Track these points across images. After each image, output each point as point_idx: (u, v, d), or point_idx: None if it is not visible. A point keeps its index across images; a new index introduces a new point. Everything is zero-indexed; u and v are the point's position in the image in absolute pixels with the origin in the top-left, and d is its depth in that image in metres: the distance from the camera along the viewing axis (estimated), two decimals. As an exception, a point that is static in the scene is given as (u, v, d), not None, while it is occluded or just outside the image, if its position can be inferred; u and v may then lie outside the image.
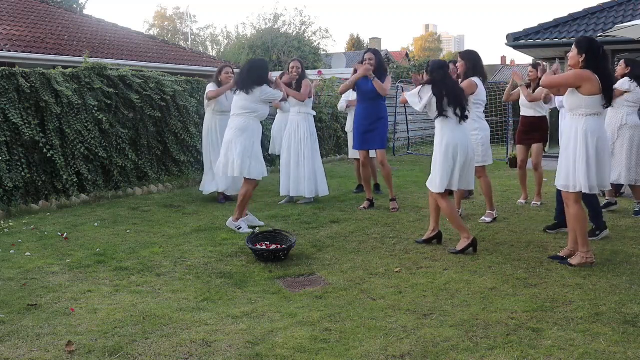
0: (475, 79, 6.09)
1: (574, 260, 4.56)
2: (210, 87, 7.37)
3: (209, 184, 7.57)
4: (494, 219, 6.29)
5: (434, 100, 5.09)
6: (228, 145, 5.91)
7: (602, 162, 4.52)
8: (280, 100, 6.40)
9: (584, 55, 4.46)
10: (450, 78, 5.27)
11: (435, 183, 5.09)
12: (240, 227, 5.83)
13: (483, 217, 6.32)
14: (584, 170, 4.46)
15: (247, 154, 5.80)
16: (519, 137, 7.38)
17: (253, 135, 5.88)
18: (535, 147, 7.22)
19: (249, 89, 5.82)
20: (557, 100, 6.56)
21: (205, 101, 7.44)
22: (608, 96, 4.49)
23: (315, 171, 7.42)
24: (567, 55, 4.71)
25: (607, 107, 4.57)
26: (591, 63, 4.44)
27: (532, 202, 7.20)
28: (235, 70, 7.64)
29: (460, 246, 5.00)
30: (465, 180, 5.16)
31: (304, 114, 7.43)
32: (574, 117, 4.55)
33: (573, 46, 4.56)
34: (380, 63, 6.94)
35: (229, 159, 5.89)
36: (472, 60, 6.14)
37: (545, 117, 7.28)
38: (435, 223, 5.32)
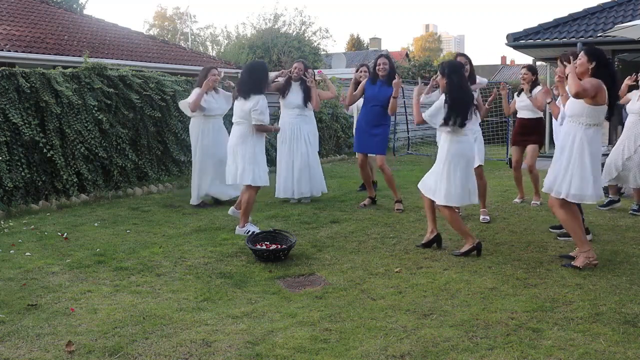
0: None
1: (577, 262, 4.54)
2: (193, 96, 6.92)
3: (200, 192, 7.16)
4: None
5: (444, 107, 4.84)
6: (233, 153, 5.83)
7: (593, 174, 4.49)
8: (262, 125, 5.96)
9: (594, 63, 4.40)
10: (466, 81, 5.07)
11: (440, 194, 4.89)
12: (249, 231, 5.76)
13: (484, 217, 6.32)
14: (571, 179, 4.45)
15: (248, 162, 5.73)
16: (514, 138, 7.42)
17: (254, 142, 5.77)
18: (530, 148, 7.20)
19: (247, 95, 5.69)
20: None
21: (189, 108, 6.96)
22: (612, 108, 4.48)
23: (317, 172, 7.47)
24: (575, 62, 4.52)
25: (608, 120, 4.56)
26: (601, 71, 4.38)
27: (532, 202, 7.20)
28: (225, 70, 7.51)
29: (464, 249, 4.94)
30: (475, 191, 5.02)
31: (306, 117, 7.43)
32: (574, 124, 4.50)
33: (582, 54, 4.47)
34: (393, 68, 6.93)
35: (237, 167, 5.80)
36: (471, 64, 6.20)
37: (541, 118, 7.29)
38: (432, 224, 5.21)
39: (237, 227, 5.81)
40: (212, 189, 7.21)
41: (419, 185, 5.20)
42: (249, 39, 31.71)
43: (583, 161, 4.44)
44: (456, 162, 4.88)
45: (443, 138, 5.01)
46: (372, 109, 6.91)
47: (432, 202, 5.08)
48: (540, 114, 7.22)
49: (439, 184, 4.94)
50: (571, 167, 4.48)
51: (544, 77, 16.18)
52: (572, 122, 4.52)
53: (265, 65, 6.13)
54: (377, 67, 6.88)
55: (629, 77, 6.88)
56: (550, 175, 4.68)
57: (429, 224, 5.24)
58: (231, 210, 6.17)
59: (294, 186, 7.32)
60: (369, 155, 7.20)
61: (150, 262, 4.78)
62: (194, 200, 7.23)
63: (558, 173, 4.57)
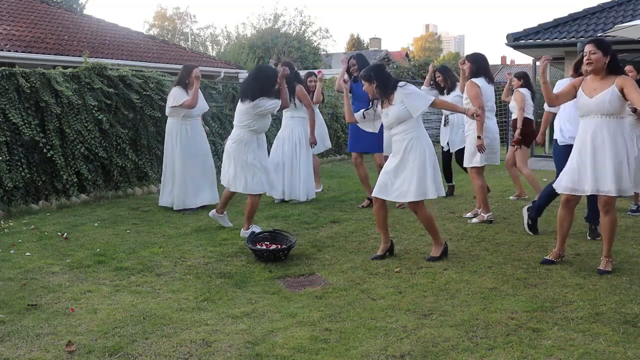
0: (476, 80, 6.16)
1: (608, 267, 4.40)
2: (178, 93, 6.73)
3: (167, 197, 7.02)
4: (484, 220, 6.26)
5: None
6: (227, 155, 5.67)
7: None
8: (280, 109, 5.83)
9: (609, 57, 4.30)
10: None
11: (431, 188, 4.69)
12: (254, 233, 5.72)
13: (492, 212, 6.31)
14: (632, 173, 4.36)
15: (241, 168, 5.54)
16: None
17: (248, 148, 5.54)
18: (513, 149, 7.53)
19: (244, 99, 5.52)
20: None
21: (171, 107, 6.77)
22: None
23: (308, 174, 7.45)
24: (585, 57, 4.35)
25: None
26: (616, 65, 4.34)
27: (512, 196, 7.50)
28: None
29: (436, 253, 4.85)
30: None
31: (298, 118, 7.43)
32: (614, 120, 4.29)
33: (593, 47, 4.28)
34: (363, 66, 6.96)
35: (230, 170, 5.64)
36: (477, 62, 6.26)
37: (526, 119, 7.37)
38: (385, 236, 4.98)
39: (242, 230, 5.72)
40: (199, 197, 6.98)
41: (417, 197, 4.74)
42: (249, 39, 31.75)
43: (635, 153, 4.41)
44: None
45: (420, 132, 4.77)
46: (362, 107, 6.90)
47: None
48: (528, 115, 7.43)
49: (428, 178, 4.70)
50: (631, 162, 4.33)
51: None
52: (613, 119, 4.30)
53: (274, 71, 5.76)
54: (350, 69, 6.98)
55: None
56: (608, 176, 4.28)
57: (384, 236, 4.99)
58: (211, 213, 6.03)
59: (284, 187, 7.35)
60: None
61: (150, 262, 4.78)
62: (167, 203, 7.00)
63: (621, 172, 4.29)
